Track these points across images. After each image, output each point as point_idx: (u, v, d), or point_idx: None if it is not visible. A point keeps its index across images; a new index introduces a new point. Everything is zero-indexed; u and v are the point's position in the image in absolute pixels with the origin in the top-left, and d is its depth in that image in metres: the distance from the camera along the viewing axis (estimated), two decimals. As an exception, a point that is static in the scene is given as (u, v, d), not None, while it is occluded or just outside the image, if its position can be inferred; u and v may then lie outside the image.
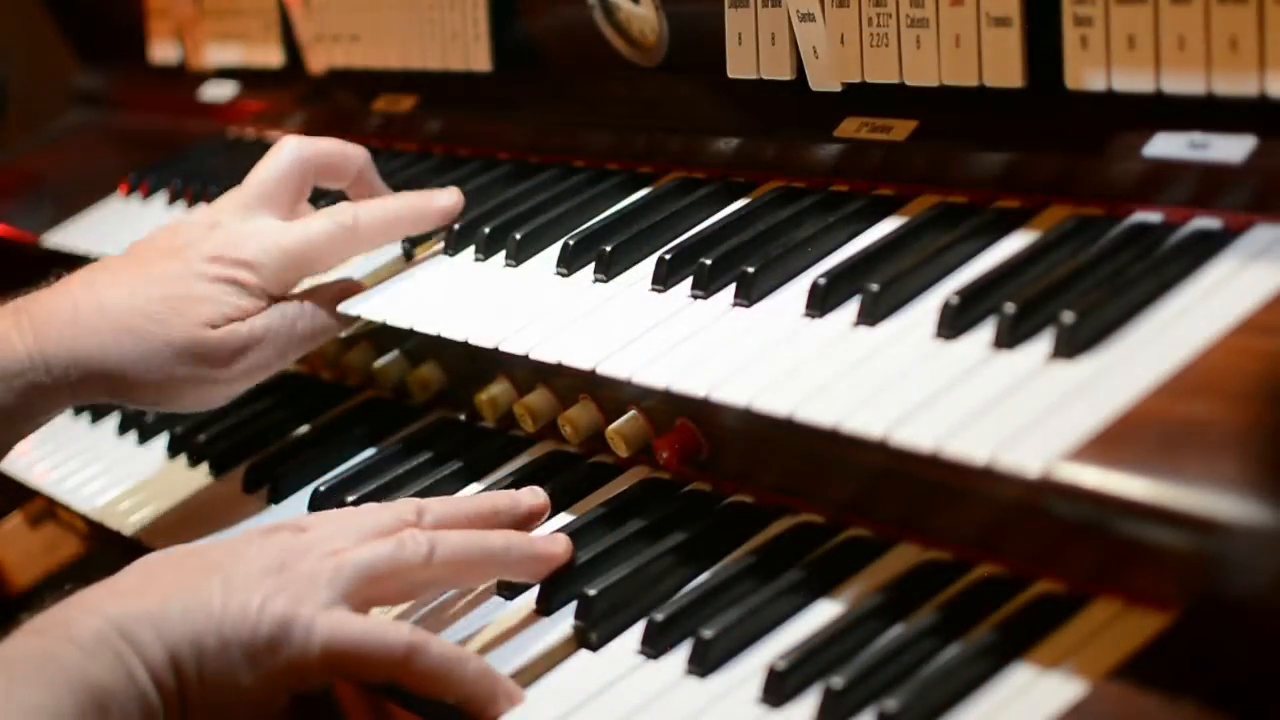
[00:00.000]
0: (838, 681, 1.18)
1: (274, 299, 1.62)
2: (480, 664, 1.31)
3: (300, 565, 1.29)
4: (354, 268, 1.75)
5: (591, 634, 1.36)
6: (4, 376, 1.54)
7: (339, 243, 1.65)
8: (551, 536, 1.41)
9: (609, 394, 1.56)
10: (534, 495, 1.45)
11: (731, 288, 1.44)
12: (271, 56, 2.31)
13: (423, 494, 1.62)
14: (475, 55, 1.92)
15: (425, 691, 1.30)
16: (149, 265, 1.61)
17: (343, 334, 1.72)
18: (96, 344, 1.55)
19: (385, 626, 1.30)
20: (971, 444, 1.15)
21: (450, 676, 1.29)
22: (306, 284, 1.68)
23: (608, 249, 1.56)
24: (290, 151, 1.68)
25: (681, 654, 1.30)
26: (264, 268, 1.61)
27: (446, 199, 1.71)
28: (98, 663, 1.19)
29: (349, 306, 1.67)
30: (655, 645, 1.32)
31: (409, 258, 1.75)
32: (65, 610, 1.25)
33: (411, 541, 1.33)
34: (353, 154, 1.73)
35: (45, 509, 2.18)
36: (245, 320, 1.59)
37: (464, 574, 1.38)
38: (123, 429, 2.02)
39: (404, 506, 1.39)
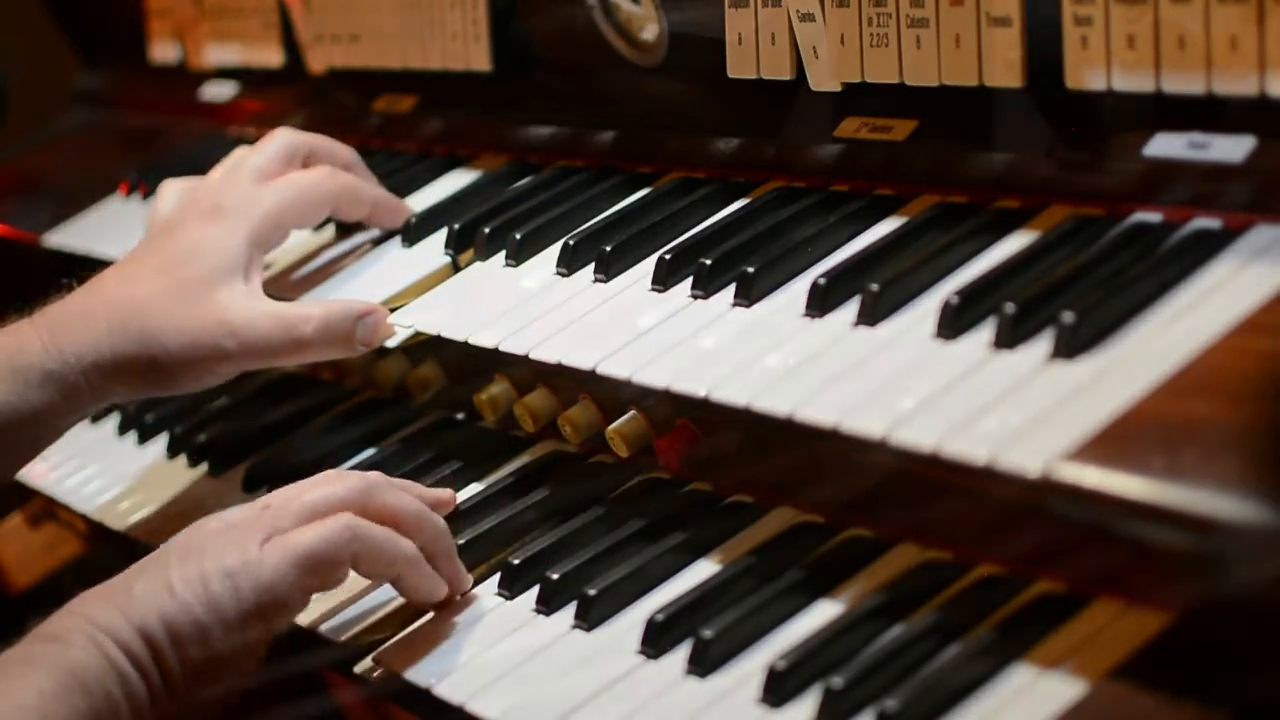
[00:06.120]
0: (838, 681, 1.18)
1: (264, 250, 1.68)
2: (414, 548, 1.41)
3: (247, 527, 1.38)
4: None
5: (592, 634, 1.36)
6: (23, 370, 1.60)
7: (324, 192, 1.72)
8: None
9: (609, 394, 1.55)
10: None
11: (731, 288, 1.44)
12: (271, 56, 2.31)
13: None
14: (475, 55, 1.92)
15: (374, 572, 1.41)
16: (146, 253, 1.67)
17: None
18: (104, 329, 1.61)
19: (324, 524, 1.37)
20: (971, 444, 1.15)
21: (391, 550, 1.39)
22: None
23: (608, 249, 1.56)
24: (282, 137, 1.76)
25: (681, 654, 1.30)
26: (241, 208, 1.66)
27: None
28: (74, 648, 1.31)
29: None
30: (655, 645, 1.32)
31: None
32: (51, 618, 1.36)
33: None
34: (340, 150, 1.79)
35: (45, 509, 2.18)
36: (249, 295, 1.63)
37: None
38: (123, 429, 2.02)
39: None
